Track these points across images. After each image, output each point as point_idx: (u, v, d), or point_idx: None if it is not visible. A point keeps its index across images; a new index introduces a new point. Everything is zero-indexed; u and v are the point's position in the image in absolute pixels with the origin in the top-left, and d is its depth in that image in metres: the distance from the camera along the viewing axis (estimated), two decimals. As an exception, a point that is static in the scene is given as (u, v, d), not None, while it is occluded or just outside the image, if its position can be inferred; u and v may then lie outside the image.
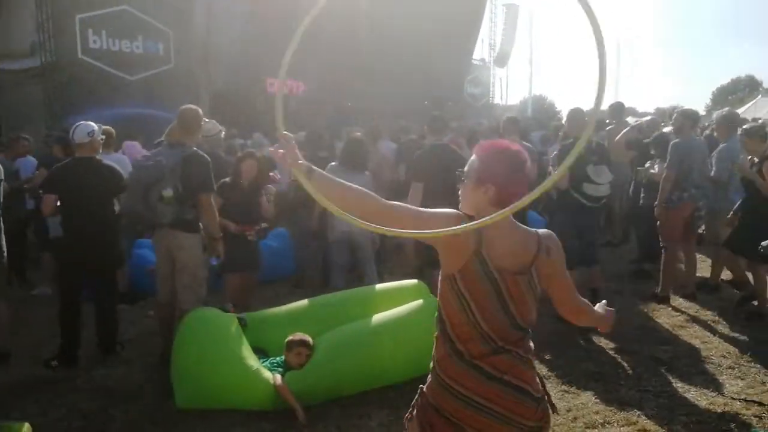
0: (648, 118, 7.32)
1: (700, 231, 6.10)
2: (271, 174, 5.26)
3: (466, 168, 1.92)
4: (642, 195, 6.46)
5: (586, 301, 2.12)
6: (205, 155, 4.31)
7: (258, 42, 14.93)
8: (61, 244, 4.75)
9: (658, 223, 5.74)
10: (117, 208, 4.65)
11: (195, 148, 4.30)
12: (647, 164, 6.29)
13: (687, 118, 5.73)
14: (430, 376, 1.95)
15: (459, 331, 1.83)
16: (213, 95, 14.33)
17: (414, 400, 2.00)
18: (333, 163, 5.24)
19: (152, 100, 12.44)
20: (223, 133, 6.06)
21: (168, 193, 4.08)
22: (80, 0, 12.10)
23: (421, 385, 1.98)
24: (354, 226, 1.71)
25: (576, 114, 5.50)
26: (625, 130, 7.60)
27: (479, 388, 1.81)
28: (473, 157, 1.93)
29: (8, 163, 6.37)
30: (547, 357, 4.48)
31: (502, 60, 28.48)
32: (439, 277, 1.90)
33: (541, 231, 1.95)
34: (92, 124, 4.50)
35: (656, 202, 5.65)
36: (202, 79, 13.86)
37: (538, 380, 1.91)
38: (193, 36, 13.90)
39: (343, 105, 16.42)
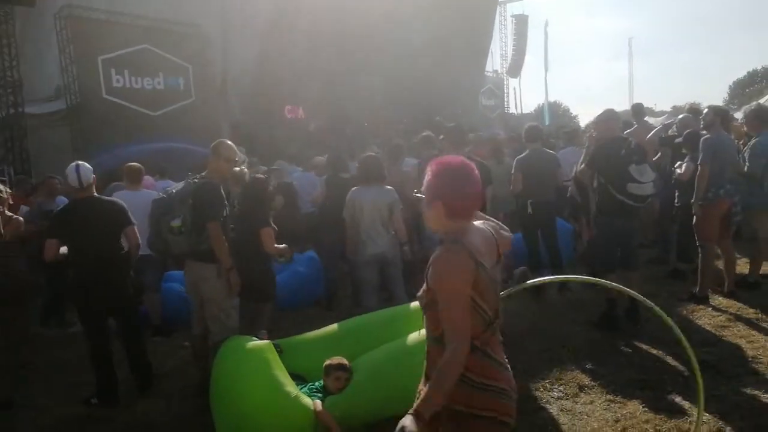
0: (682, 116, 7.14)
1: (736, 227, 5.94)
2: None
3: (423, 188, 2.13)
4: (677, 195, 6.29)
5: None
6: (215, 183, 4.19)
7: (273, 70, 15.17)
8: (71, 287, 4.59)
9: (694, 221, 5.60)
10: (125, 244, 4.52)
11: (206, 178, 4.20)
12: (677, 164, 6.15)
13: (717, 114, 5.63)
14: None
15: (475, 332, 1.98)
16: (232, 125, 14.54)
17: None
18: (354, 188, 5.26)
19: (176, 133, 12.63)
20: (246, 161, 6.09)
21: (176, 223, 4.01)
22: (102, 42, 12.35)
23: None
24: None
25: (612, 114, 5.29)
26: (655, 129, 7.46)
27: (497, 375, 2.03)
28: (426, 177, 2.11)
29: (47, 205, 6.43)
30: (588, 366, 4.37)
31: (514, 70, 28.48)
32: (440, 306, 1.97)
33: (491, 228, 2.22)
34: (87, 164, 4.42)
35: (693, 201, 5.52)
36: (221, 110, 14.08)
37: None
38: (211, 69, 14.14)
39: (360, 125, 16.53)
